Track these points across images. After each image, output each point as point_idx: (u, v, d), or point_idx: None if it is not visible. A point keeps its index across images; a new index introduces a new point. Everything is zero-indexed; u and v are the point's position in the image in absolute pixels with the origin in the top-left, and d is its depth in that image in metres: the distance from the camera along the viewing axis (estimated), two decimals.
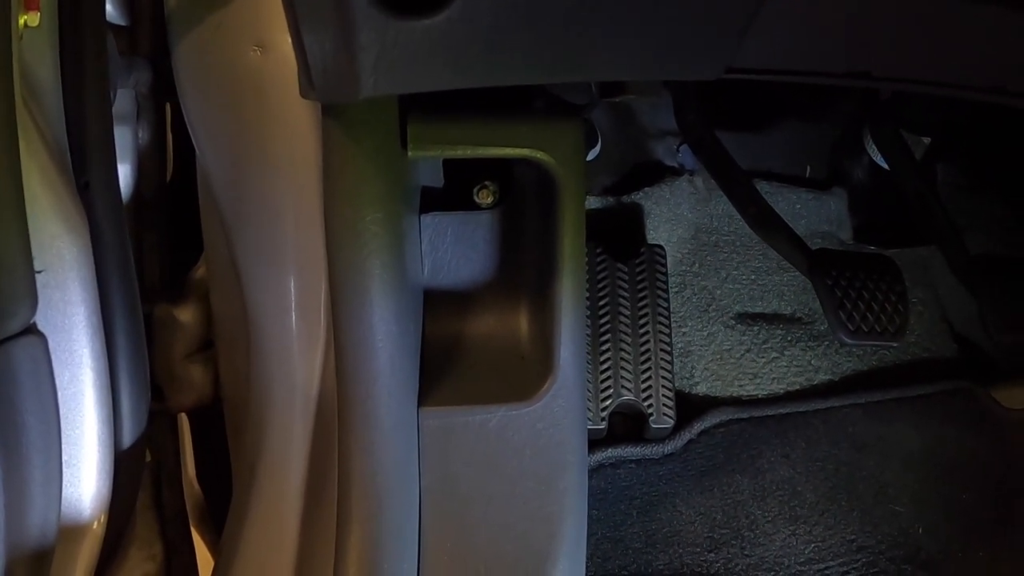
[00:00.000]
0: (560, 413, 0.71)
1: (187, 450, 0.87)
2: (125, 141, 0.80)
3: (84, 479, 0.64)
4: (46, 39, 0.65)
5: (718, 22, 0.53)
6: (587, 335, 0.95)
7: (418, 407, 0.70)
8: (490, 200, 0.73)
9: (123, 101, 0.79)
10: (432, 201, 0.75)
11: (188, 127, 0.74)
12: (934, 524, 1.02)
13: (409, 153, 0.66)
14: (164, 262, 0.84)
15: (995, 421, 1.07)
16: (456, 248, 0.74)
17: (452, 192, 0.75)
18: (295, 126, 0.69)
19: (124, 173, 0.80)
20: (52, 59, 0.66)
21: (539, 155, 0.67)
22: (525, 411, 0.70)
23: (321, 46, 0.50)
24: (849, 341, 0.91)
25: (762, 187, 1.11)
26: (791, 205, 1.13)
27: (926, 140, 1.11)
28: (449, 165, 0.75)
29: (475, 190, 0.73)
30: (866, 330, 0.92)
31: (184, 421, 0.87)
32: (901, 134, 1.03)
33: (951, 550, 1.01)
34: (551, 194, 0.69)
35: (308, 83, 0.56)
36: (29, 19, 0.63)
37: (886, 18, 0.57)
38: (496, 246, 0.75)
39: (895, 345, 0.98)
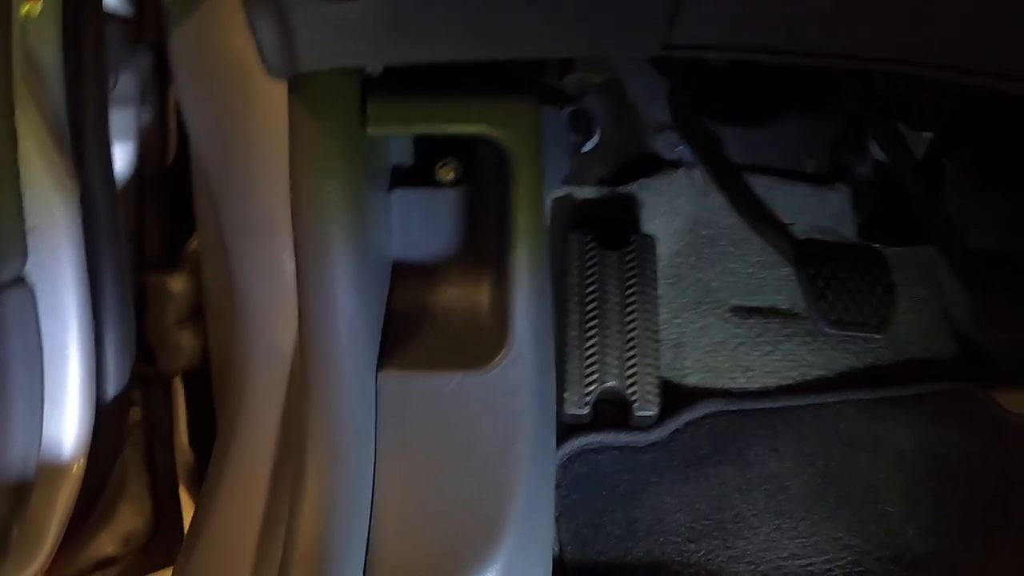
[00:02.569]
0: (515, 382, 0.77)
1: (180, 415, 0.97)
2: (128, 122, 0.90)
3: (66, 423, 0.73)
4: (51, 25, 0.76)
5: None
6: (551, 311, 1.01)
7: (378, 370, 0.77)
8: (451, 176, 0.80)
9: (127, 85, 0.89)
10: (402, 178, 0.82)
11: (181, 109, 0.83)
12: (924, 525, 1.04)
13: (368, 130, 0.73)
14: (165, 236, 0.93)
15: (994, 424, 1.09)
16: (424, 224, 0.82)
17: (421, 169, 0.82)
18: (276, 105, 0.77)
19: (127, 151, 0.90)
20: (56, 44, 0.76)
21: (493, 132, 0.74)
22: (480, 378, 0.77)
23: (264, 26, 0.59)
24: (830, 331, 0.95)
25: (762, 181, 1.16)
26: (791, 200, 1.17)
27: (928, 136, 1.14)
28: (419, 143, 0.83)
29: (437, 167, 0.80)
30: (848, 320, 0.96)
31: (178, 387, 0.97)
32: (899, 129, 1.06)
33: (941, 553, 1.03)
34: (506, 170, 0.76)
35: (264, 61, 0.65)
36: (31, 8, 0.74)
37: None
38: (461, 221, 0.82)
39: (878, 337, 1.01)
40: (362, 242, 0.74)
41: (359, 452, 0.76)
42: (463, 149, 0.82)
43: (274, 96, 0.77)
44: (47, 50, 0.75)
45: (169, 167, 0.95)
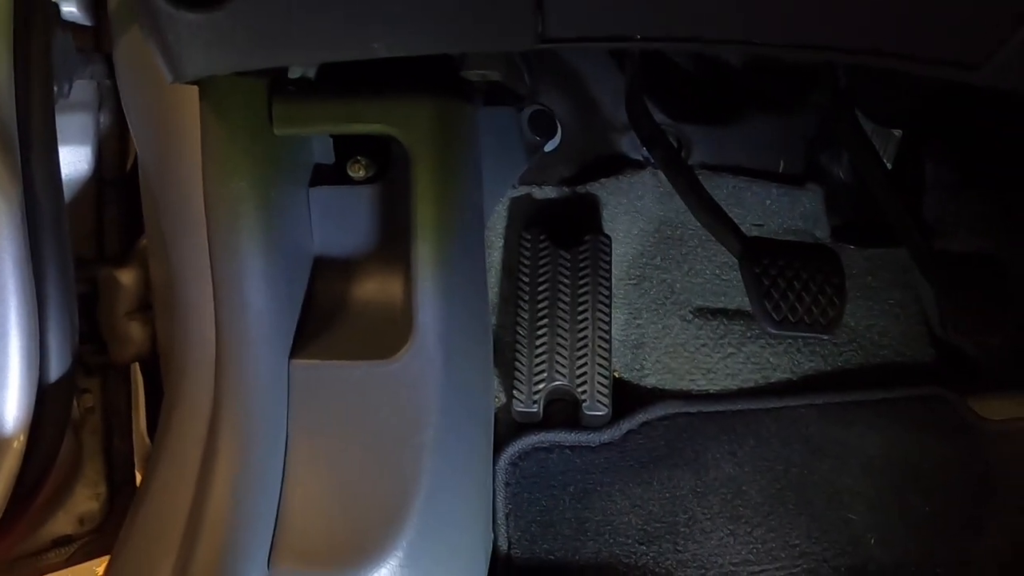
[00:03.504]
0: (418, 373, 0.85)
1: (139, 403, 1.07)
2: (87, 126, 1.01)
3: (7, 401, 0.84)
4: (2, 38, 0.87)
5: None
6: (521, 326, 1.07)
7: (290, 359, 0.85)
8: (362, 174, 0.88)
9: (86, 91, 1.00)
10: (323, 177, 0.91)
11: (124, 112, 0.94)
12: (890, 534, 1.06)
13: (274, 130, 0.82)
14: (123, 234, 1.04)
15: (970, 431, 1.10)
16: (342, 220, 0.90)
17: (339, 168, 0.91)
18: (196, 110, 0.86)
19: (86, 155, 1.01)
20: (6, 53, 0.87)
21: (391, 131, 0.82)
22: (384, 369, 0.84)
23: (151, 41, 0.68)
24: (774, 331, 0.98)
25: (732, 181, 1.20)
26: (761, 200, 1.21)
27: (897, 134, 1.15)
28: (338, 143, 0.91)
29: (348, 164, 0.88)
30: (793, 320, 0.99)
31: (138, 376, 1.07)
32: (860, 123, 1.09)
33: (905, 563, 1.05)
34: (409, 168, 0.83)
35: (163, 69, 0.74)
36: None
37: None
38: (375, 218, 0.90)
39: (826, 338, 1.03)
40: (270, 239, 0.83)
41: (269, 433, 0.84)
42: (378, 148, 0.90)
43: (195, 101, 0.87)
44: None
45: (129, 170, 1.05)
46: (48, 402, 0.88)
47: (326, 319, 0.89)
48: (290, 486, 0.85)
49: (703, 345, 1.17)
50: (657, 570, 1.07)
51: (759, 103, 1.22)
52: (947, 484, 1.09)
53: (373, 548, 0.83)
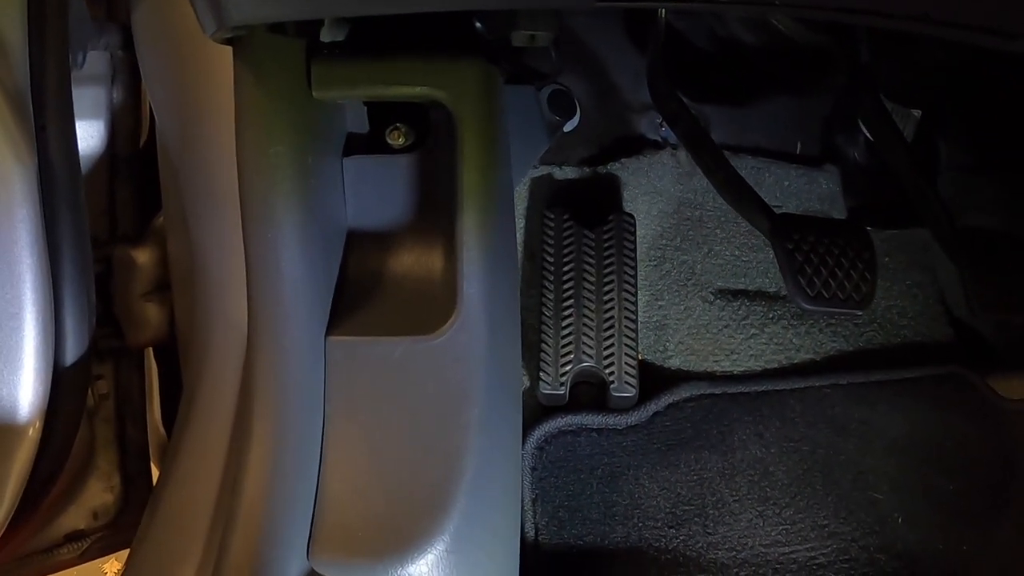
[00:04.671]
0: (463, 349, 0.78)
1: (153, 391, 0.99)
2: (100, 100, 0.93)
3: (22, 386, 0.76)
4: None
5: None
6: (547, 307, 1.02)
7: (327, 335, 0.78)
8: (402, 141, 0.81)
9: (99, 63, 0.92)
10: (357, 145, 0.84)
11: (144, 82, 0.86)
12: (915, 513, 1.02)
13: (313, 93, 0.75)
14: (137, 212, 0.96)
15: (990, 410, 1.07)
16: (377, 191, 0.83)
17: (375, 137, 0.84)
18: (227, 75, 0.79)
19: (99, 130, 0.93)
20: (19, 15, 0.79)
21: (437, 94, 0.75)
22: (427, 344, 0.78)
23: None
24: (807, 307, 0.94)
25: (750, 162, 1.15)
26: (779, 181, 1.17)
27: (917, 113, 1.12)
28: (373, 110, 0.84)
29: (387, 131, 0.81)
30: (827, 296, 0.94)
31: (151, 362, 0.99)
32: (883, 103, 1.05)
33: (931, 541, 1.01)
34: (454, 133, 0.77)
35: (200, 22, 0.67)
36: None
37: None
38: (414, 188, 0.83)
39: (860, 314, 0.99)
40: (308, 207, 0.75)
41: (306, 415, 0.77)
42: (416, 115, 0.83)
43: (225, 65, 0.79)
44: (9, 21, 0.78)
45: (143, 146, 0.97)
46: (64, 387, 0.80)
47: (362, 293, 0.82)
48: (328, 471, 0.77)
49: (725, 326, 1.12)
50: (688, 553, 1.01)
51: (777, 84, 1.18)
52: (969, 463, 1.05)
53: (418, 534, 0.76)
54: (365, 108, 0.84)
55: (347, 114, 0.84)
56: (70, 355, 0.80)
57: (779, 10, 0.67)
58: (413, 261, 0.83)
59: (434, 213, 0.82)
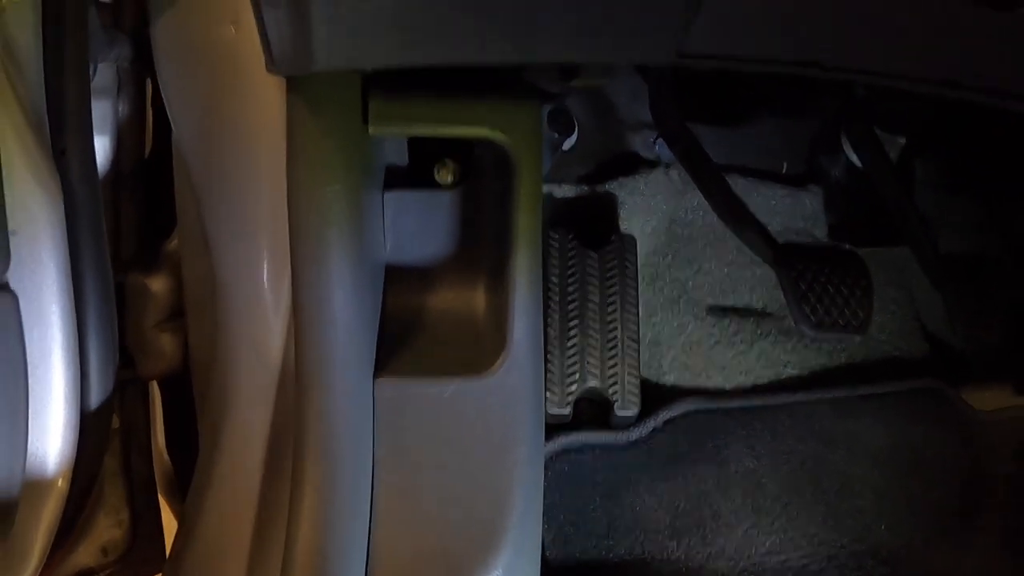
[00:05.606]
0: (513, 388, 0.76)
1: (157, 420, 0.93)
2: (105, 114, 0.85)
3: (50, 436, 0.69)
4: (30, 11, 0.71)
5: (662, 4, 0.58)
6: (552, 328, 1.00)
7: (374, 377, 0.74)
8: (450, 179, 0.78)
9: (105, 75, 0.84)
10: (396, 179, 0.80)
11: (164, 100, 0.79)
12: (897, 520, 1.06)
13: (370, 130, 0.71)
14: (141, 233, 0.89)
15: (963, 421, 1.12)
16: (418, 225, 0.79)
17: (415, 170, 0.80)
18: (266, 102, 0.73)
19: (103, 145, 0.85)
20: (35, 31, 0.71)
21: (496, 135, 0.72)
22: (478, 384, 0.75)
23: (278, 21, 0.56)
24: (812, 333, 0.95)
25: (738, 182, 1.16)
26: (767, 201, 1.18)
27: (901, 140, 1.15)
28: (413, 144, 0.80)
29: (435, 168, 0.78)
30: (829, 323, 0.96)
31: (155, 391, 0.93)
32: (875, 132, 1.07)
33: (913, 546, 1.05)
34: (508, 174, 0.74)
35: (270, 58, 0.61)
36: None
37: (836, 7, 0.61)
38: (456, 224, 0.80)
39: (859, 338, 1.02)
40: (360, 247, 0.71)
41: (357, 460, 0.74)
42: (460, 150, 0.80)
43: (267, 94, 0.73)
44: (25, 37, 0.71)
45: (145, 160, 0.90)
46: (88, 432, 0.74)
47: (403, 332, 0.79)
48: (381, 513, 0.74)
49: (717, 343, 1.13)
50: (690, 564, 1.02)
51: (767, 106, 1.19)
52: (945, 472, 1.10)
53: (471, 569, 0.74)
54: (407, 141, 0.79)
55: (386, 146, 0.79)
56: (95, 398, 0.74)
57: (827, 74, 0.68)
58: (454, 297, 0.80)
59: (476, 249, 0.79)
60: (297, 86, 0.68)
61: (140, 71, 0.86)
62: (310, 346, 0.71)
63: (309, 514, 0.71)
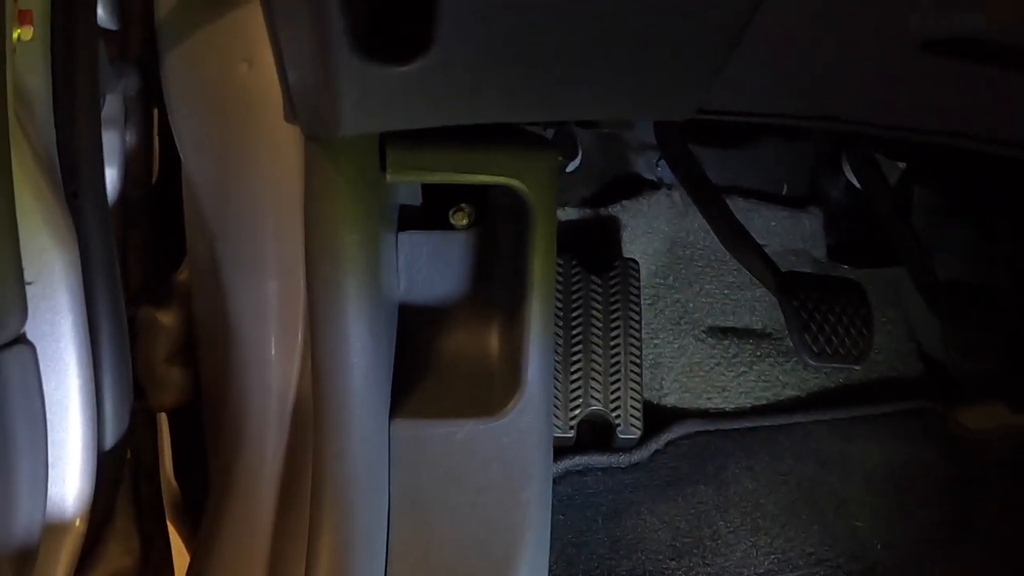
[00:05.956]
0: (526, 428, 0.76)
1: (165, 446, 0.92)
2: (112, 145, 0.83)
3: (68, 480, 0.69)
4: (39, 51, 0.69)
5: (693, 69, 0.58)
6: (555, 351, 1.00)
7: (390, 418, 0.75)
8: (465, 222, 0.77)
9: (111, 105, 0.83)
10: (409, 220, 0.79)
11: (175, 135, 0.78)
12: (892, 539, 1.08)
13: (388, 177, 0.70)
14: (147, 264, 0.88)
15: (957, 441, 1.13)
16: (431, 266, 0.79)
17: (429, 212, 0.80)
18: (280, 141, 0.73)
19: (110, 177, 0.84)
20: (44, 71, 0.70)
21: (513, 183, 0.72)
22: (492, 426, 0.75)
23: (304, 85, 0.55)
24: (813, 363, 0.96)
25: (739, 204, 1.16)
26: (767, 222, 1.18)
27: (901, 165, 1.16)
28: (427, 186, 0.80)
29: (451, 212, 0.77)
30: (830, 353, 0.97)
31: (162, 418, 0.92)
32: (875, 158, 1.08)
33: (908, 565, 1.07)
34: (524, 219, 0.73)
35: (292, 113, 0.61)
36: (23, 33, 0.67)
37: (852, 69, 0.61)
38: (470, 266, 0.79)
39: (857, 368, 1.03)
40: (378, 294, 0.71)
41: (374, 500, 0.74)
42: (474, 192, 0.79)
43: (280, 133, 0.72)
44: (36, 78, 0.69)
45: (151, 189, 0.89)
46: (104, 472, 0.73)
47: (417, 373, 0.79)
48: (395, 554, 0.75)
49: (717, 364, 1.14)
50: None
51: (768, 129, 1.19)
52: (939, 491, 1.11)
53: None
54: (420, 185, 0.79)
55: (400, 187, 0.79)
56: (110, 438, 0.74)
57: (844, 127, 0.69)
58: (466, 339, 0.80)
59: (490, 290, 0.79)
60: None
61: (147, 101, 0.85)
62: (328, 392, 0.71)
63: (328, 555, 0.72)
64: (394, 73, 0.52)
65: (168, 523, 0.92)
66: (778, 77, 0.62)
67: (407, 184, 0.79)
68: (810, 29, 0.54)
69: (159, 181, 0.90)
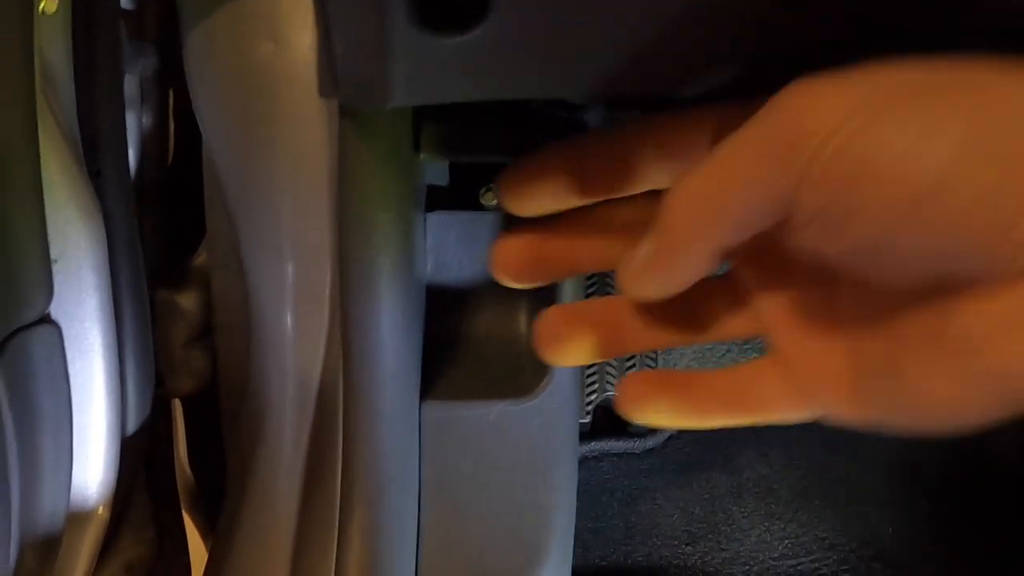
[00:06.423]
0: (555, 410, 0.74)
1: (179, 434, 0.90)
2: (129, 126, 0.80)
3: (91, 465, 0.66)
4: (60, 26, 0.67)
5: None
6: None
7: (420, 400, 0.73)
8: (495, 203, 0.76)
9: (128, 86, 0.80)
10: (437, 199, 0.77)
11: (196, 115, 0.75)
12: (902, 526, 1.08)
13: (421, 156, 0.68)
14: (165, 247, 0.85)
15: (970, 432, 1.13)
16: (460, 247, 0.77)
17: (457, 192, 0.78)
18: (304, 121, 0.70)
19: (129, 158, 0.81)
20: (65, 46, 0.67)
21: None
22: (522, 407, 0.74)
23: (353, 57, 0.53)
24: None
25: None
26: None
27: None
28: (455, 167, 0.78)
29: (481, 192, 0.75)
30: None
31: (177, 405, 0.89)
32: None
33: (917, 552, 1.07)
34: None
35: (331, 86, 0.58)
36: (47, 5, 0.64)
37: None
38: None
39: None
40: (410, 273, 0.69)
41: (405, 484, 0.72)
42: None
43: (305, 113, 0.70)
44: (58, 52, 0.66)
45: (168, 170, 0.86)
46: (127, 458, 0.71)
47: (447, 354, 0.77)
48: (426, 535, 0.73)
49: (728, 351, 1.13)
50: (706, 569, 1.03)
51: None
52: (946, 478, 1.12)
53: None
54: (448, 165, 0.77)
55: (427, 168, 0.77)
56: (132, 423, 0.71)
57: None
58: (495, 320, 0.78)
59: None
60: (350, 112, 0.65)
61: (164, 80, 0.82)
62: (359, 372, 0.69)
63: (360, 536, 0.70)
64: (449, 43, 0.50)
65: (184, 513, 0.90)
66: None
67: (436, 164, 0.77)
68: None
69: (175, 163, 0.88)
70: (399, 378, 0.70)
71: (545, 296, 0.75)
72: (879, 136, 0.34)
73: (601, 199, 0.56)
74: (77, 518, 0.65)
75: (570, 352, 0.55)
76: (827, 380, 0.44)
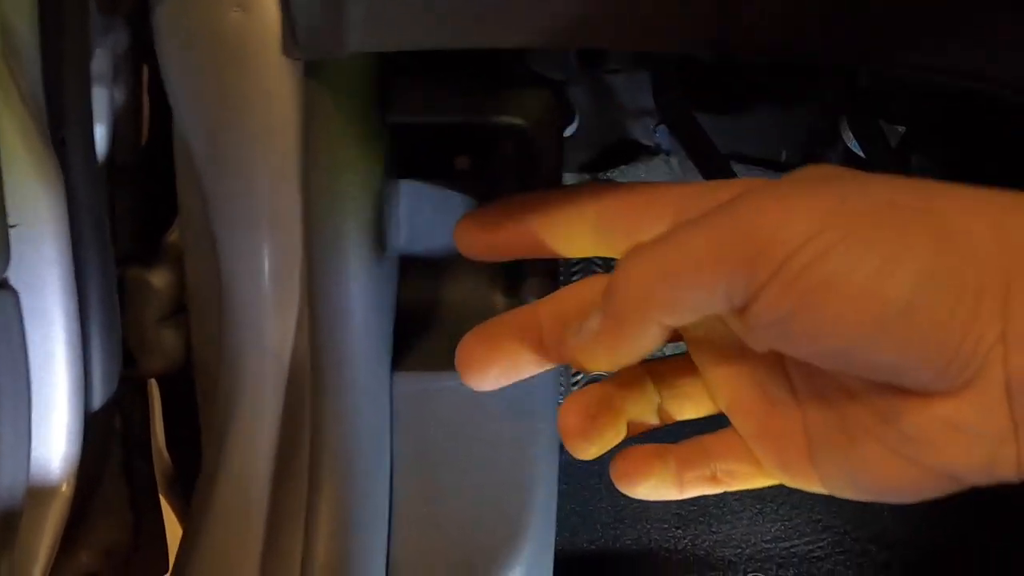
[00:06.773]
0: (533, 381, 0.72)
1: (156, 417, 0.88)
2: (101, 102, 0.79)
3: (53, 440, 0.64)
4: None
5: None
6: None
7: (391, 371, 0.71)
8: (467, 166, 0.74)
9: (100, 62, 0.78)
10: (409, 168, 0.75)
11: (166, 86, 0.74)
12: (897, 507, 1.05)
13: (388, 118, 0.66)
14: (137, 225, 0.84)
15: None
16: (433, 216, 0.75)
17: (430, 160, 0.76)
18: (275, 90, 0.68)
19: (99, 134, 0.79)
20: (31, 13, 0.66)
21: (516, 122, 0.68)
22: None
23: (308, 3, 0.51)
24: None
25: (739, 170, 1.13)
26: None
27: (900, 129, 1.13)
28: (428, 133, 0.76)
29: (455, 157, 0.74)
30: None
31: (153, 388, 0.88)
32: (880, 123, 1.05)
33: (917, 533, 1.04)
34: (527, 163, 0.70)
35: (292, 40, 0.57)
36: None
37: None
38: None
39: None
40: (379, 241, 0.67)
41: (376, 458, 0.70)
42: (475, 140, 0.76)
43: (275, 82, 0.68)
44: (22, 21, 0.65)
45: (141, 149, 0.85)
46: (92, 435, 0.69)
47: (419, 325, 0.75)
48: (400, 513, 0.71)
49: None
50: (696, 552, 1.00)
51: (766, 94, 1.16)
52: None
53: (495, 566, 0.71)
54: (422, 129, 0.75)
55: (398, 135, 0.75)
56: (98, 399, 0.69)
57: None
58: (471, 289, 0.76)
59: None
60: (315, 72, 0.63)
61: (137, 57, 0.80)
62: (327, 344, 0.67)
63: (327, 517, 0.68)
64: None
65: (161, 496, 0.88)
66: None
67: (407, 129, 0.75)
68: None
69: (149, 141, 0.86)
70: (369, 350, 0.68)
71: (520, 265, 0.73)
72: (848, 257, 0.35)
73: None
74: (39, 493, 0.63)
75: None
76: (787, 451, 0.49)
